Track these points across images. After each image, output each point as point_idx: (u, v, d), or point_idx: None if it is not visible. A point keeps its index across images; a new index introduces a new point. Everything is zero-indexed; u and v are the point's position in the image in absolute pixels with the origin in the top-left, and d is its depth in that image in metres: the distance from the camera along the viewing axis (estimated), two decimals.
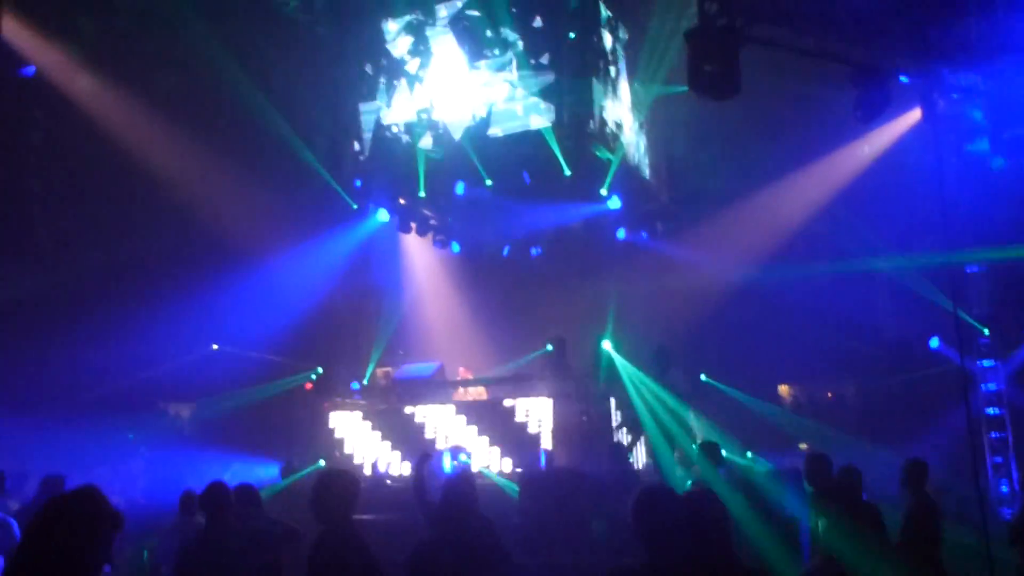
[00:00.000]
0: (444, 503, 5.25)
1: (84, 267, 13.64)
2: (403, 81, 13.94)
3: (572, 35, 12.87)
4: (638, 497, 3.50)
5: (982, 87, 7.82)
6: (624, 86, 13.94)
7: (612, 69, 13.60)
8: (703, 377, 14.01)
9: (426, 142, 13.65)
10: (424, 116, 13.69)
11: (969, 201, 11.26)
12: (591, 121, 12.84)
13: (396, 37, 14.00)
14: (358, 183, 14.39)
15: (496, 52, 13.14)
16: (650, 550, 3.42)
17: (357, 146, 14.28)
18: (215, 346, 14.93)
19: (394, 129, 13.95)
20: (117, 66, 12.82)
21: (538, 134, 12.91)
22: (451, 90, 13.53)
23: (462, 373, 14.24)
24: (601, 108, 13.10)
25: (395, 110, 14.01)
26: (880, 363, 14.78)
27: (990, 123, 8.12)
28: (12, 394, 11.98)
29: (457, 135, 13.37)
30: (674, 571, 3.38)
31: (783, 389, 17.72)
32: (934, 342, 13.52)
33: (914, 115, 10.56)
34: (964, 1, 6.99)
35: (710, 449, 8.95)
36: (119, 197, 13.82)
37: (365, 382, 14.08)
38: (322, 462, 12.22)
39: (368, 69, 14.06)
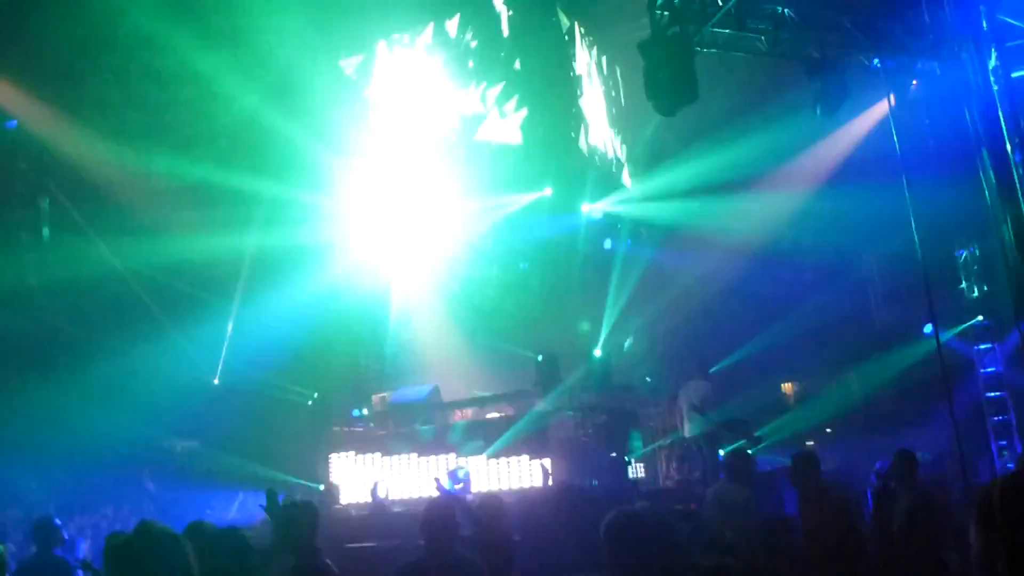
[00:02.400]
0: (424, 526, 5.28)
1: (85, 309, 13.85)
2: None
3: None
4: (611, 519, 3.78)
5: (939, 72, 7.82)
6: (599, 98, 13.99)
7: (587, 85, 13.68)
8: None
9: None
10: None
11: (949, 184, 11.20)
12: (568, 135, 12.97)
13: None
14: None
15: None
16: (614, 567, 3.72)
17: None
18: (216, 380, 15.07)
19: None
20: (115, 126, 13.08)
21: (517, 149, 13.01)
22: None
23: None
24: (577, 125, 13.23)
25: None
26: (878, 352, 14.67)
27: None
28: (13, 441, 12.12)
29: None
30: None
31: (787, 387, 17.63)
32: (927, 327, 13.37)
33: (882, 107, 10.50)
34: None
35: (740, 460, 8.89)
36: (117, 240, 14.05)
37: (365, 410, 14.11)
38: (321, 487, 12.27)
39: None
